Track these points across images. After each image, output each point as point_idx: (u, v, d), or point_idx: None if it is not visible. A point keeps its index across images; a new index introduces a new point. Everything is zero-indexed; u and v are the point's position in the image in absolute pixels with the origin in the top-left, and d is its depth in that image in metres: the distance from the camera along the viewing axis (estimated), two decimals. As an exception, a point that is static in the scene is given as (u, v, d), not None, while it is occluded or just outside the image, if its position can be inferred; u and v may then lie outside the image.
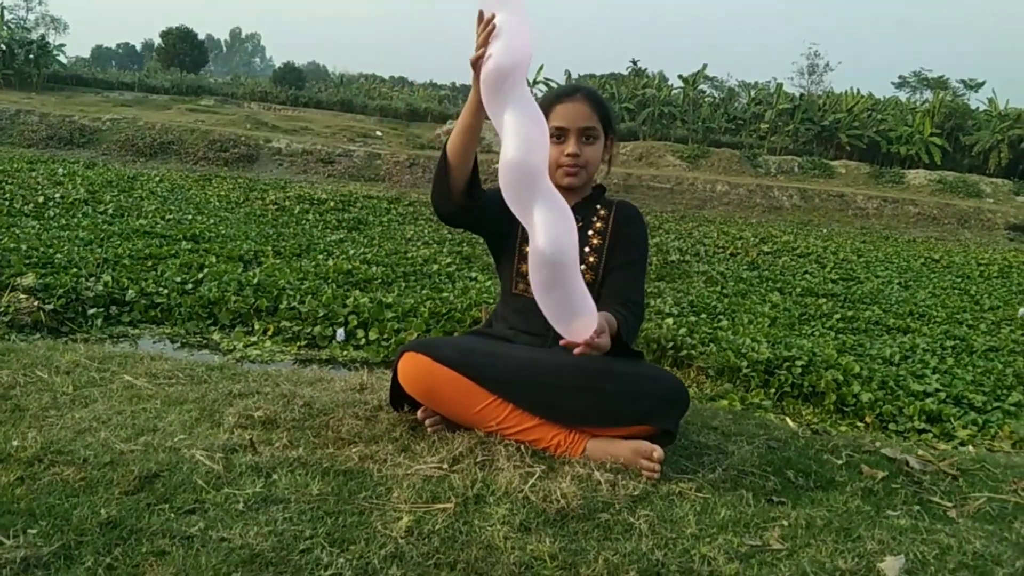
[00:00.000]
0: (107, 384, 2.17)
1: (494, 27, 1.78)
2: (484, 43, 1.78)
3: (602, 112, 2.11)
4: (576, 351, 1.76)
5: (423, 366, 1.84)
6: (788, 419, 3.52)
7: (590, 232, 2.14)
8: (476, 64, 1.80)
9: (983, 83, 55.78)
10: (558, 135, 2.07)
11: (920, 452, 2.33)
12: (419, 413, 1.93)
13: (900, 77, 61.51)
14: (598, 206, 2.19)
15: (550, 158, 2.06)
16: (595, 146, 2.07)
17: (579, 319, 1.76)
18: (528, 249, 1.88)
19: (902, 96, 54.50)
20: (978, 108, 46.12)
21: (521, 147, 1.72)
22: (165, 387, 2.16)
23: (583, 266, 2.05)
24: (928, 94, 54.07)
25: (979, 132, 41.58)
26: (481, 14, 1.80)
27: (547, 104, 2.11)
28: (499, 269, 2.20)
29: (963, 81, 56.94)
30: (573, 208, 2.01)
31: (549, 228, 1.71)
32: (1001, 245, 25.49)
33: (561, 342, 1.79)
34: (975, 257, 20.02)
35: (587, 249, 2.12)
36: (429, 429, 1.92)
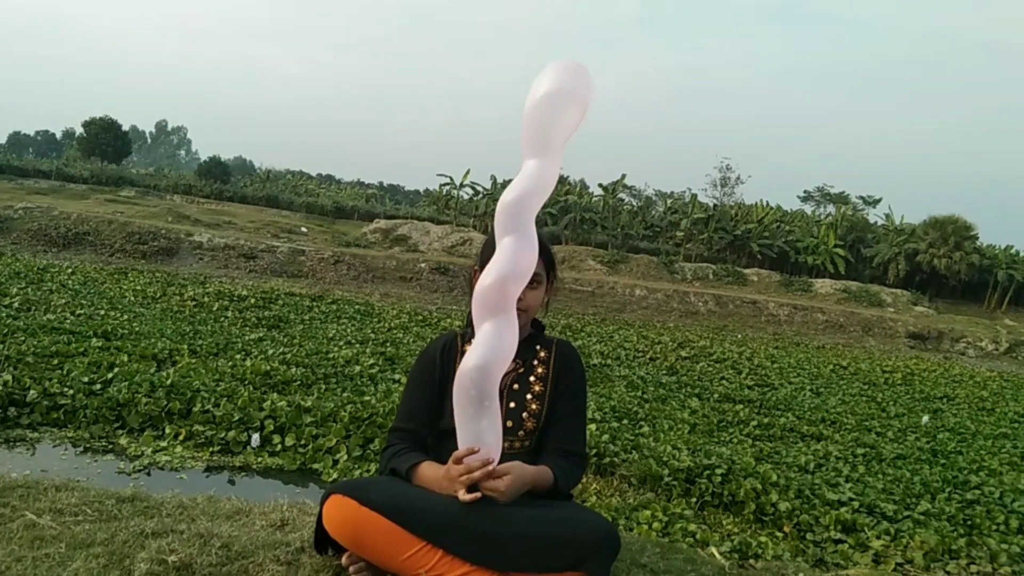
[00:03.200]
0: (6, 523, 2.01)
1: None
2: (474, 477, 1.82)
3: (547, 257, 2.15)
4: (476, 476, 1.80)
5: (350, 510, 1.77)
6: (714, 550, 3.54)
7: (532, 379, 2.13)
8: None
9: (880, 199, 59.86)
10: None
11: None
12: (343, 559, 1.85)
13: (805, 191, 65.20)
14: (538, 347, 2.19)
15: None
16: (538, 290, 2.11)
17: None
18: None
19: (807, 209, 57.95)
20: (876, 222, 49.33)
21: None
22: (71, 525, 2.02)
23: (525, 413, 2.05)
24: (831, 208, 57.54)
25: (878, 245, 44.31)
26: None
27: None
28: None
29: (862, 197, 60.96)
30: None
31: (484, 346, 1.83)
32: (903, 352, 26.82)
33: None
34: (880, 364, 20.96)
35: (529, 396, 2.11)
36: (353, 577, 1.85)
